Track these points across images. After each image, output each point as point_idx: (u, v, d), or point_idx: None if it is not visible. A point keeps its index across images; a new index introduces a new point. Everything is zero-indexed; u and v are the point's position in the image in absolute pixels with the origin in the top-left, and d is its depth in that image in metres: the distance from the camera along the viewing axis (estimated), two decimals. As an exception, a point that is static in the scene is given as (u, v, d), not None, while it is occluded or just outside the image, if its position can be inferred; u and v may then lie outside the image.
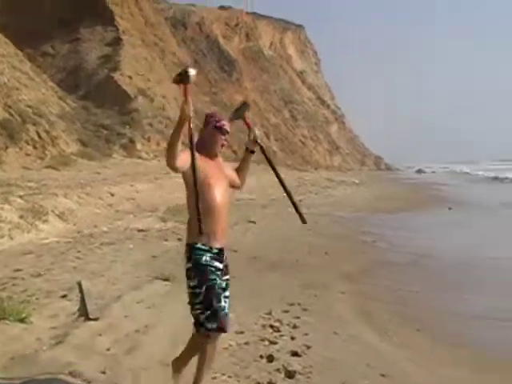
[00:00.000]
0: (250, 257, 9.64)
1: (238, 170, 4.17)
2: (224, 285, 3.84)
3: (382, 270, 9.53)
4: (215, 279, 3.74)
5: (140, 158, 25.85)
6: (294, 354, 5.09)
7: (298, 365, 4.79)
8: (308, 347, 5.29)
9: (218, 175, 3.86)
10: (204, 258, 3.75)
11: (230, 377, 4.50)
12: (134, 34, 36.70)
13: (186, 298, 6.55)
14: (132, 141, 26.43)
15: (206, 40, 60.55)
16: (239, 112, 4.20)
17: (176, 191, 17.56)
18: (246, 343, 5.33)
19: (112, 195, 14.69)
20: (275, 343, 5.36)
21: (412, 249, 11.33)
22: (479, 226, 16.38)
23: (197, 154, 3.70)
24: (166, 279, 7.47)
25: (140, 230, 11.43)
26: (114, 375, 4.30)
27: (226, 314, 3.78)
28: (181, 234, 11.20)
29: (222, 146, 3.93)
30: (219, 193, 3.81)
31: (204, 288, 3.70)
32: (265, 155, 4.15)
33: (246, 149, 4.19)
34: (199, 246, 3.76)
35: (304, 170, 43.32)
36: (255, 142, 4.11)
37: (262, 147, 4.13)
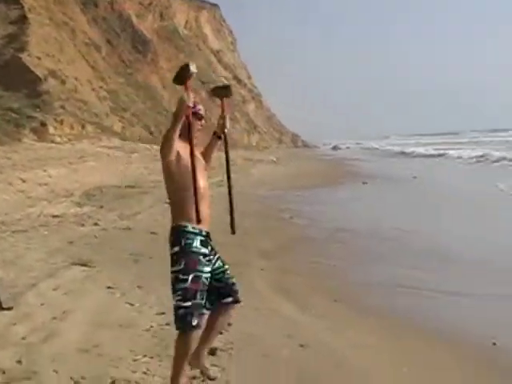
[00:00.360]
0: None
1: (205, 156, 4.11)
2: (217, 264, 3.85)
3: (300, 245, 9.74)
4: (202, 271, 3.67)
5: (53, 142, 24.91)
6: (216, 331, 5.15)
7: (219, 342, 4.84)
8: (229, 324, 5.34)
9: (199, 160, 3.83)
10: (195, 243, 3.68)
11: (151, 358, 4.50)
12: (41, 13, 35.12)
13: (105, 282, 6.55)
14: (43, 124, 25.40)
15: (118, 19, 58.69)
16: (221, 92, 4.12)
17: (91, 175, 17.19)
18: (168, 324, 5.31)
19: (23, 181, 14.14)
20: (196, 322, 5.40)
21: (329, 223, 11.64)
22: (392, 198, 17.03)
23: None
24: (84, 264, 7.34)
25: (55, 216, 11.10)
26: (31, 364, 4.21)
27: (203, 314, 3.74)
28: (98, 219, 10.98)
29: (198, 130, 3.89)
30: (202, 177, 3.81)
31: (191, 277, 3.63)
32: (225, 145, 4.10)
33: (214, 133, 4.13)
34: (190, 228, 3.68)
35: (222, 150, 43.27)
36: (224, 129, 4.05)
37: (225, 137, 4.08)
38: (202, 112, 3.92)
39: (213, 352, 4.61)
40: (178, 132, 3.65)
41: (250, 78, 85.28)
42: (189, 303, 3.61)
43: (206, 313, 3.80)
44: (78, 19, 44.47)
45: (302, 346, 4.88)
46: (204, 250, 3.74)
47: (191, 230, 3.69)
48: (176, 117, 3.65)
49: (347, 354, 4.88)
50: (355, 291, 7.06)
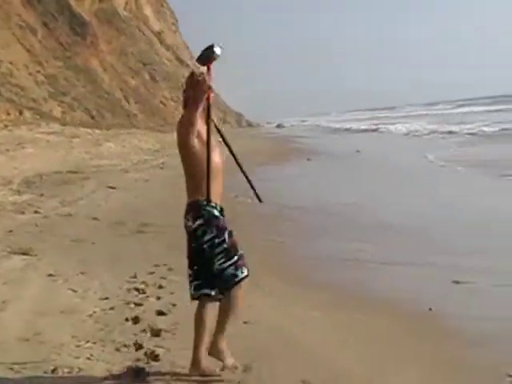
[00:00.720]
0: (113, 223, 9.47)
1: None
2: None
3: (247, 224, 9.75)
4: (231, 230, 3.91)
5: (-12, 128, 24.11)
6: (160, 313, 5.16)
7: (164, 323, 4.86)
8: (174, 305, 5.37)
9: (214, 137, 3.83)
10: (215, 212, 3.80)
11: (94, 343, 4.46)
12: (-30, -5, 33.67)
13: (46, 270, 6.42)
14: (-22, 111, 24.55)
15: (55, 1, 56.89)
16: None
17: (30, 162, 16.74)
18: (111, 308, 5.30)
19: (-43, 170, 13.65)
20: (141, 305, 5.39)
21: (276, 201, 11.70)
22: (337, 173, 17.31)
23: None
24: (24, 253, 7.17)
25: (-8, 205, 10.78)
26: (-32, 355, 4.11)
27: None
28: (38, 206, 10.73)
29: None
30: (218, 154, 3.90)
31: (226, 235, 3.81)
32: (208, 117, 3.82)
33: None
34: (206, 203, 3.77)
35: (166, 132, 42.80)
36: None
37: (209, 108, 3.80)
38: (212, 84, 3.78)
39: (157, 333, 4.62)
40: (198, 117, 3.68)
41: (192, 58, 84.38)
42: (235, 257, 3.83)
43: None
44: (11, 1, 42.83)
45: (245, 322, 4.92)
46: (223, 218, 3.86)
47: (211, 204, 3.79)
48: (197, 99, 3.64)
49: (294, 330, 4.93)
50: (303, 267, 7.16)
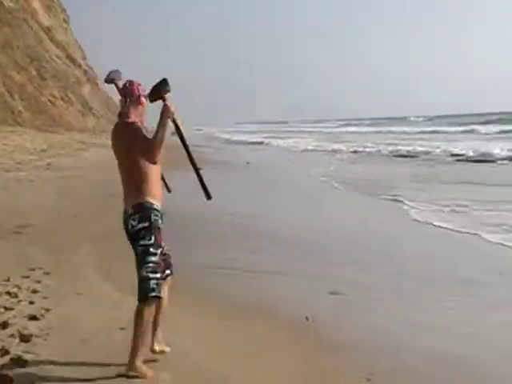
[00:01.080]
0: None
1: None
2: None
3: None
4: (163, 247, 4.16)
5: None
6: (32, 317, 4.98)
7: (36, 328, 4.69)
8: (47, 310, 5.20)
9: None
10: (159, 220, 4.07)
11: None
12: None
13: None
14: None
15: None
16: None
17: None
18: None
19: None
20: (12, 309, 5.16)
21: (164, 208, 11.59)
22: (227, 183, 17.45)
23: None
24: None
25: None
26: None
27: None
28: None
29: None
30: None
31: (159, 251, 4.05)
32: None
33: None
34: (155, 206, 4.06)
35: (54, 132, 41.23)
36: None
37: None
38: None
39: (27, 338, 4.43)
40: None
41: (84, 58, 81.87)
42: (158, 275, 4.01)
43: None
44: None
45: (122, 328, 4.84)
46: (162, 227, 4.10)
47: (156, 207, 4.06)
48: (165, 125, 4.03)
49: (167, 334, 4.93)
50: (180, 275, 7.12)
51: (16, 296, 5.53)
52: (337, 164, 25.72)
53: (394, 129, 66.92)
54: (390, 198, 13.88)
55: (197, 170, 4.31)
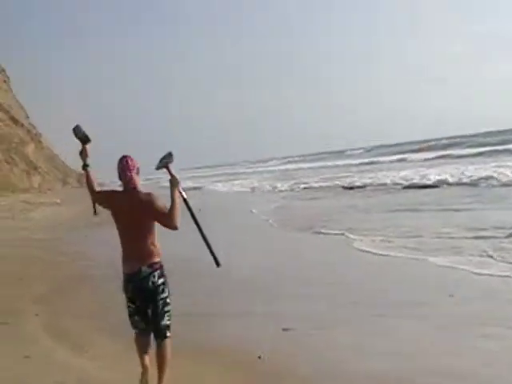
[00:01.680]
0: None
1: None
2: None
3: (78, 286, 9.50)
4: None
5: None
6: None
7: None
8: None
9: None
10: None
11: None
12: None
13: None
14: None
15: None
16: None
17: None
18: None
19: None
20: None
21: (110, 262, 11.51)
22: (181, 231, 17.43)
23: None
24: None
25: None
26: None
27: None
28: None
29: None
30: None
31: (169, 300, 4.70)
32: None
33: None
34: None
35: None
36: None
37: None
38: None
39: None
40: None
41: (27, 117, 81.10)
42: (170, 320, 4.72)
43: None
44: None
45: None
46: None
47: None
48: (176, 193, 4.68)
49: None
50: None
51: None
52: (280, 202, 26.16)
53: (336, 163, 69.20)
54: (332, 232, 14.10)
55: (205, 238, 4.98)
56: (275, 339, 6.31)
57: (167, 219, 4.56)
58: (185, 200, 4.80)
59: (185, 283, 9.23)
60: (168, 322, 4.65)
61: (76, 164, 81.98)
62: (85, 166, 4.90)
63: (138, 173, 4.70)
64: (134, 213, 4.56)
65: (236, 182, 52.56)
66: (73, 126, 4.86)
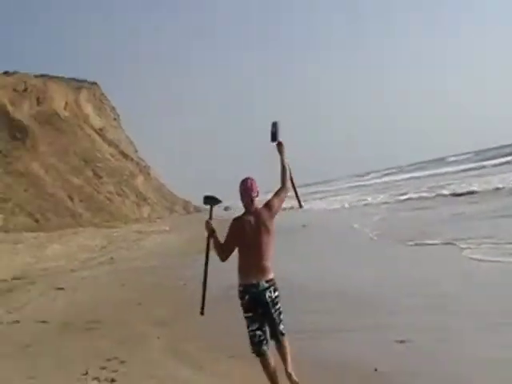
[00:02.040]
0: (62, 323, 9.42)
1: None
2: None
3: (194, 309, 9.83)
4: None
5: None
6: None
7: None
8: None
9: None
10: None
11: None
12: None
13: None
14: None
15: (-9, 108, 57.19)
16: (210, 201, 5.46)
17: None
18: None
19: None
20: (93, 400, 5.41)
21: (222, 283, 11.85)
22: (284, 247, 17.62)
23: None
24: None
25: None
26: None
27: None
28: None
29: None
30: None
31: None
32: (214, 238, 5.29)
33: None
34: None
35: (113, 227, 42.64)
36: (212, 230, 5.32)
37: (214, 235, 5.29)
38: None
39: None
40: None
41: (136, 151, 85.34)
42: None
43: None
44: None
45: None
46: None
47: None
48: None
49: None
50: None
51: (96, 387, 5.81)
52: (382, 215, 25.71)
53: (438, 171, 65.95)
54: (440, 241, 13.73)
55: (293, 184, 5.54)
56: (391, 352, 6.27)
57: (283, 198, 5.35)
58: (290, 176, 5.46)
59: (299, 302, 9.38)
60: (282, 330, 5.11)
61: (181, 193, 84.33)
62: (211, 232, 5.32)
63: (257, 195, 5.22)
64: (259, 232, 5.11)
65: (335, 198, 52.24)
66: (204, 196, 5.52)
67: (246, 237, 5.10)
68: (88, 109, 77.96)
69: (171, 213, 75.71)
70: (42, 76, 72.99)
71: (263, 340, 5.12)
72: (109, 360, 6.84)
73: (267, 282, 5.07)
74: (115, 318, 9.49)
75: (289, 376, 5.01)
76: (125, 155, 77.25)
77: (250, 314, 5.11)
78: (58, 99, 70.63)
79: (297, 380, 5.00)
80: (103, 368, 6.54)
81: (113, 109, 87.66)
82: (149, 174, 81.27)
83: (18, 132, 55.93)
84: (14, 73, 68.14)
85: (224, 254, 5.21)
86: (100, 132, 76.50)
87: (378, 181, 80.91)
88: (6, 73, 67.70)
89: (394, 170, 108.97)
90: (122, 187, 65.89)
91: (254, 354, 5.16)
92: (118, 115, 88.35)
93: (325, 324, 7.79)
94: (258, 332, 5.10)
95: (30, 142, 55.76)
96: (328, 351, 6.62)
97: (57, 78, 75.95)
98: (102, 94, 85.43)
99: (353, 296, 9.29)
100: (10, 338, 8.75)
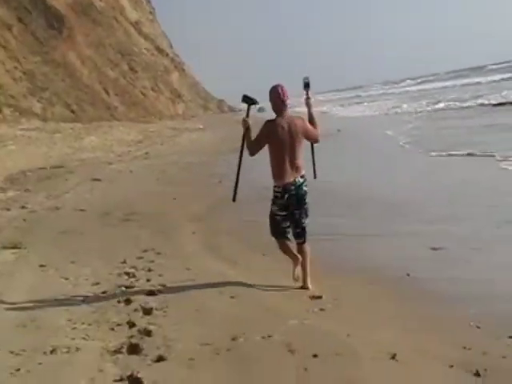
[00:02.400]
0: (100, 213, 9.65)
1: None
2: None
3: (229, 206, 9.93)
4: None
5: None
6: (151, 293, 5.39)
7: (154, 302, 5.09)
8: (163, 286, 5.62)
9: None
10: None
11: (89, 324, 4.69)
12: None
13: (37, 262, 6.61)
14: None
15: (27, -5, 56.22)
16: (249, 100, 5.74)
17: (12, 159, 16.81)
18: (103, 292, 5.52)
19: None
20: (132, 287, 5.62)
21: (256, 183, 11.93)
22: (320, 152, 17.57)
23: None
24: (14, 247, 7.35)
25: (-23, 203, 10.91)
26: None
27: None
28: (24, 202, 10.87)
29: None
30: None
31: None
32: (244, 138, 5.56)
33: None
34: None
35: (148, 122, 42.82)
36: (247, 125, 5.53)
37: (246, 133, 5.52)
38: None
39: (148, 312, 4.86)
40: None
41: (171, 47, 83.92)
42: None
43: None
44: (-18, -2, 42.39)
45: (232, 297, 5.20)
46: None
47: None
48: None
49: (275, 300, 5.23)
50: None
51: (134, 276, 6.01)
52: (415, 123, 25.24)
53: (476, 80, 62.78)
54: (478, 152, 13.49)
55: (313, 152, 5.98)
56: (424, 258, 6.32)
57: (315, 135, 5.67)
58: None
59: (335, 206, 9.44)
60: (307, 222, 5.55)
61: (215, 92, 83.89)
62: (247, 129, 5.53)
63: (289, 100, 5.44)
64: (292, 134, 5.38)
65: (370, 103, 51.26)
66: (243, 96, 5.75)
67: (279, 138, 5.36)
68: (124, 1, 76.16)
69: (205, 111, 75.52)
70: (78, -37, 70.91)
71: (288, 232, 5.61)
72: (145, 251, 7.04)
73: (302, 177, 5.44)
74: (151, 211, 9.69)
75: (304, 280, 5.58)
76: (160, 50, 76.12)
77: (285, 214, 5.49)
78: (94, -12, 68.96)
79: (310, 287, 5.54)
80: (140, 258, 6.74)
81: (148, 2, 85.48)
82: (183, 70, 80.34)
83: (55, 21, 55.16)
84: (50, -42, 66.29)
85: (254, 149, 5.47)
86: (136, 25, 75.09)
87: (414, 88, 78.53)
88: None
89: (430, 78, 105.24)
90: (157, 83, 65.47)
91: (274, 236, 5.64)
92: (154, 8, 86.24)
93: (356, 228, 7.86)
94: (288, 229, 5.58)
95: (67, 31, 55.07)
96: (359, 255, 6.71)
97: (92, -35, 73.81)
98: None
99: (384, 203, 9.28)
100: (51, 223, 9.04)
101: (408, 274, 5.75)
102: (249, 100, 5.73)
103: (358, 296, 5.33)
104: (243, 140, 5.59)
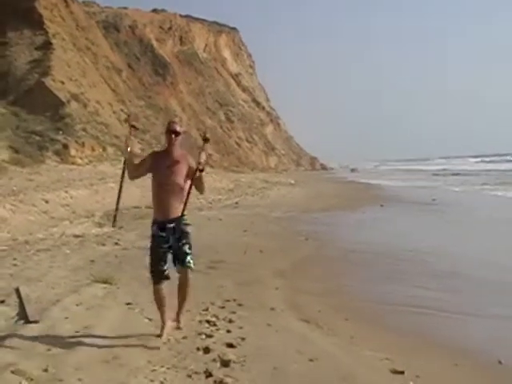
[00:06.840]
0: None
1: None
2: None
3: (314, 266, 9.95)
4: None
5: (74, 163, 25.53)
6: (230, 345, 5.39)
7: (233, 355, 5.09)
8: (242, 339, 5.61)
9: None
10: None
11: (168, 368, 4.75)
12: (64, 38, 36.11)
13: (125, 299, 6.81)
14: (66, 146, 26.06)
15: (139, 44, 60.02)
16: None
17: (111, 196, 17.57)
18: (184, 337, 5.59)
19: (46, 202, 14.58)
20: (212, 336, 5.65)
21: (343, 244, 11.84)
22: (410, 220, 17.17)
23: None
24: (105, 282, 7.61)
25: (76, 236, 11.46)
26: (56, 372, 4.47)
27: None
28: (118, 238, 11.31)
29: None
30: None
31: None
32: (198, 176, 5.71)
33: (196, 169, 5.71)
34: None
35: (240, 172, 43.73)
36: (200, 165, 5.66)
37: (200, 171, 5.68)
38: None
39: (226, 363, 4.86)
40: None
41: (268, 100, 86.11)
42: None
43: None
44: (100, 44, 45.56)
45: (311, 360, 5.11)
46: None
47: None
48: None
49: (354, 368, 5.09)
50: (366, 310, 7.25)
51: (215, 325, 6.05)
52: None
53: None
54: None
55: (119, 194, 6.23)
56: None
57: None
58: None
59: (421, 276, 9.16)
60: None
61: (308, 148, 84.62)
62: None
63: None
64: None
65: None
66: None
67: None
68: (226, 53, 79.41)
69: (297, 166, 76.19)
70: (186, 16, 75.14)
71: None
72: (228, 301, 7.09)
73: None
74: (237, 261, 9.79)
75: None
76: (257, 103, 78.23)
77: None
78: (199, 41, 72.52)
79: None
80: (222, 307, 6.79)
81: (249, 55, 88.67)
82: (278, 124, 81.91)
83: (160, 68, 58.30)
84: (162, 11, 70.63)
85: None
86: (235, 77, 77.81)
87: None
88: (154, 10, 70.36)
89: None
90: (252, 134, 67.04)
91: None
92: (254, 62, 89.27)
93: (443, 304, 7.54)
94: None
95: (170, 79, 57.97)
96: (447, 333, 6.42)
97: (199, 19, 77.89)
98: (240, 40, 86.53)
99: (491, 281, 8.86)
100: (141, 262, 9.15)
101: (500, 362, 5.43)
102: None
103: (442, 377, 5.09)
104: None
